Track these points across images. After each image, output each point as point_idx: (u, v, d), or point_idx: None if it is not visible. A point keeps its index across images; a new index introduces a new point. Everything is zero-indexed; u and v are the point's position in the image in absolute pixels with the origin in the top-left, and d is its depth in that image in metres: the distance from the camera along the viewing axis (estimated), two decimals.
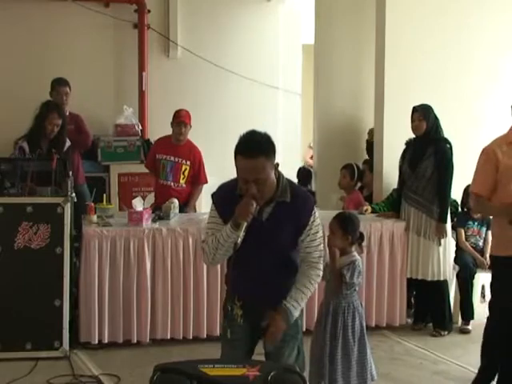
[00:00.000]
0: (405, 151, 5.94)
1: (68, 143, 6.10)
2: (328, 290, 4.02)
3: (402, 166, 5.92)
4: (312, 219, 3.25)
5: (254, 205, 3.10)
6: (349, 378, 3.87)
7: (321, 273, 3.35)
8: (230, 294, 3.45)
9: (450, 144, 5.79)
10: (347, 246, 3.98)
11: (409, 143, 5.94)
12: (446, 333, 5.80)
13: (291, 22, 9.04)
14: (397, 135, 6.23)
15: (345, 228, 3.97)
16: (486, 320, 4.41)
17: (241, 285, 3.31)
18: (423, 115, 5.76)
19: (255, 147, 3.08)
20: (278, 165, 3.19)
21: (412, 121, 5.82)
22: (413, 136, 5.91)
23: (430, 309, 5.94)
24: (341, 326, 3.90)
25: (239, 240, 3.08)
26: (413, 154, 5.83)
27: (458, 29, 6.58)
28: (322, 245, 3.35)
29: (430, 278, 5.77)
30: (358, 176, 6.88)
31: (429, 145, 5.77)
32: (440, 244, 5.76)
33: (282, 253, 3.32)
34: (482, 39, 6.70)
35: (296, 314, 3.27)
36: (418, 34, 6.47)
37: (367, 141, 7.36)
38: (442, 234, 5.74)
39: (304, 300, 3.31)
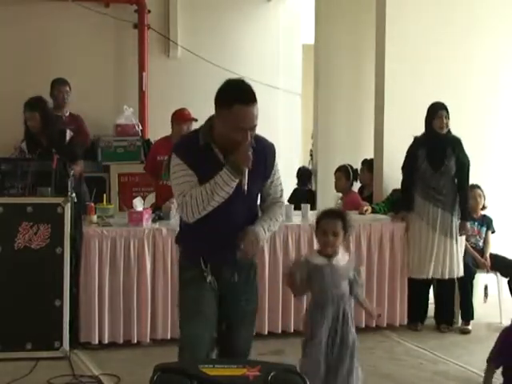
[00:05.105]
0: (416, 148, 5.80)
1: (69, 133, 6.08)
2: (329, 300, 3.77)
3: (417, 163, 5.75)
4: (276, 162, 3.36)
5: (251, 151, 3.13)
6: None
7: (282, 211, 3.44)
8: (192, 261, 3.34)
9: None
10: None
11: (419, 140, 5.81)
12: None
13: (291, 22, 9.03)
14: (397, 135, 6.22)
15: (346, 227, 3.79)
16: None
17: (209, 237, 3.27)
18: (447, 113, 5.72)
19: (252, 94, 3.11)
20: None
21: (439, 116, 5.71)
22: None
23: (451, 306, 5.93)
24: (342, 334, 3.75)
25: (245, 187, 3.14)
26: (433, 152, 5.73)
27: (459, 27, 6.58)
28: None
29: (456, 276, 5.82)
30: (353, 176, 6.86)
31: (447, 143, 5.74)
32: (460, 241, 5.83)
33: (252, 197, 3.35)
34: (485, 38, 6.70)
35: (264, 237, 3.28)
36: (419, 34, 6.46)
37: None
38: (467, 231, 5.89)
39: (270, 230, 3.32)
